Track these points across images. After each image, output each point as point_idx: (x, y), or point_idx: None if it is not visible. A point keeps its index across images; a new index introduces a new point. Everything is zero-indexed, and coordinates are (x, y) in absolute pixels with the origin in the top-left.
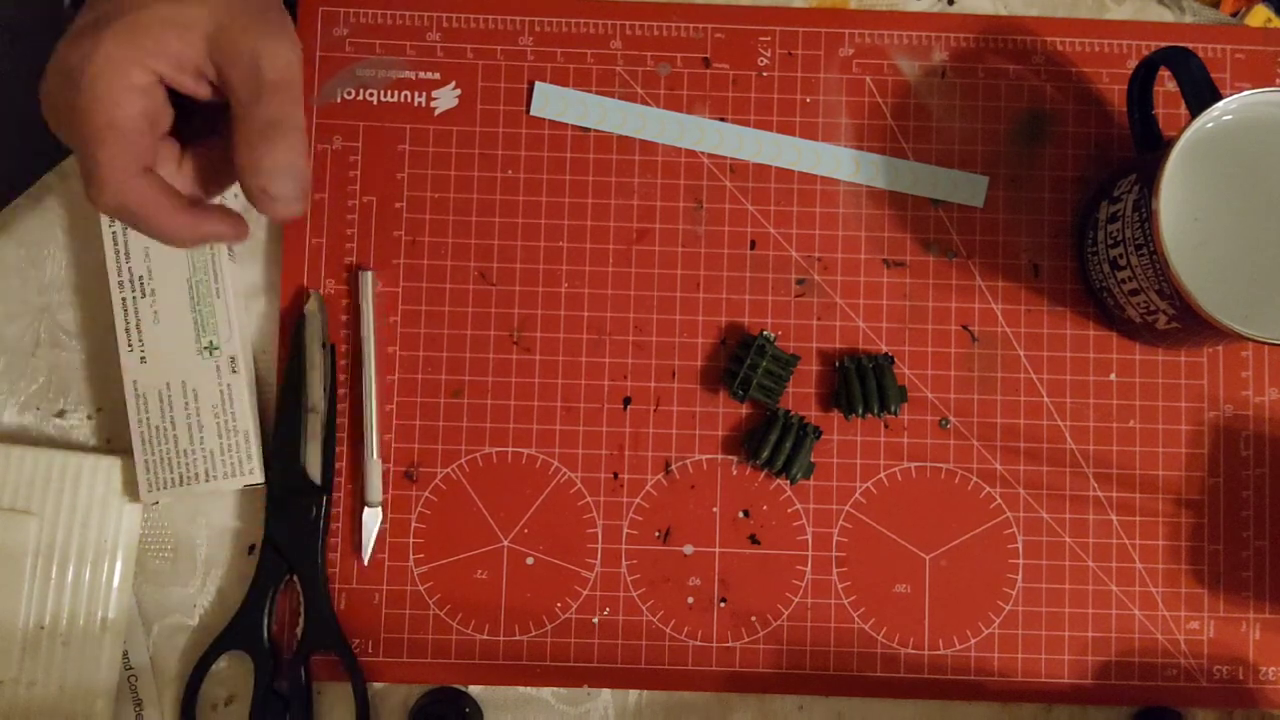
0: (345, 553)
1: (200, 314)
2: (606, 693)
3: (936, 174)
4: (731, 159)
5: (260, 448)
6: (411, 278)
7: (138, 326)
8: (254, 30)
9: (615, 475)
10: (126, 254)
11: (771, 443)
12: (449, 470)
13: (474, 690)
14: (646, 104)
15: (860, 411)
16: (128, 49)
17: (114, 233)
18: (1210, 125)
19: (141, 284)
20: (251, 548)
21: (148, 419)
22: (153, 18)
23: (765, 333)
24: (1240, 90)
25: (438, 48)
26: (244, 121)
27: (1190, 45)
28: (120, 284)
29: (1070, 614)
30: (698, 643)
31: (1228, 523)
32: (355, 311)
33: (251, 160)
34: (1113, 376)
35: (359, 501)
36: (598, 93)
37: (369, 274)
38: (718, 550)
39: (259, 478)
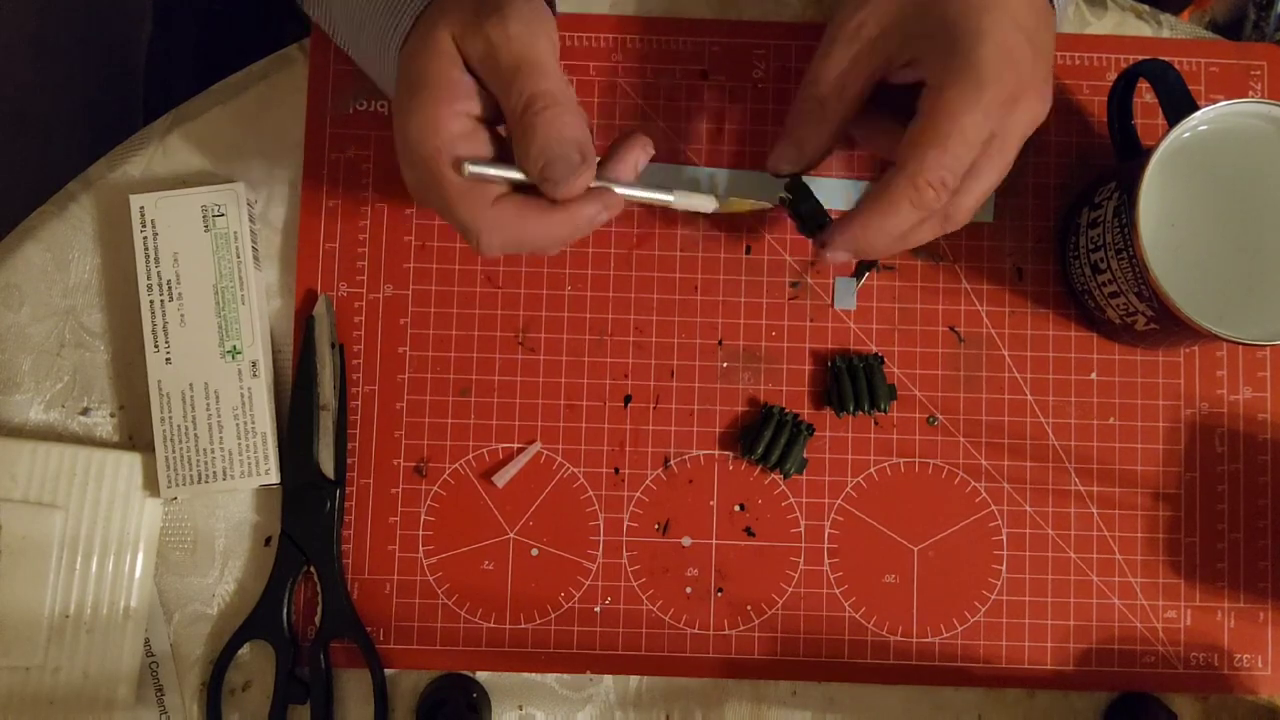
0: (358, 544)
1: (225, 319)
2: (608, 678)
3: None
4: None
5: (277, 449)
6: (421, 281)
7: (164, 329)
8: (480, 21)
9: (616, 470)
10: (156, 259)
11: (766, 439)
12: (457, 465)
13: (481, 676)
14: (647, 114)
15: (851, 409)
16: (430, 104)
17: (144, 238)
18: (1187, 135)
19: (169, 288)
20: (268, 540)
21: (170, 418)
22: (434, 77)
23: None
24: (1215, 102)
25: None
26: (505, 115)
27: (1168, 59)
28: (149, 287)
29: (1052, 603)
30: (695, 631)
31: (1203, 516)
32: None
33: (520, 151)
34: (1093, 375)
35: (369, 489)
36: (599, 104)
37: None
38: (715, 542)
39: (275, 478)
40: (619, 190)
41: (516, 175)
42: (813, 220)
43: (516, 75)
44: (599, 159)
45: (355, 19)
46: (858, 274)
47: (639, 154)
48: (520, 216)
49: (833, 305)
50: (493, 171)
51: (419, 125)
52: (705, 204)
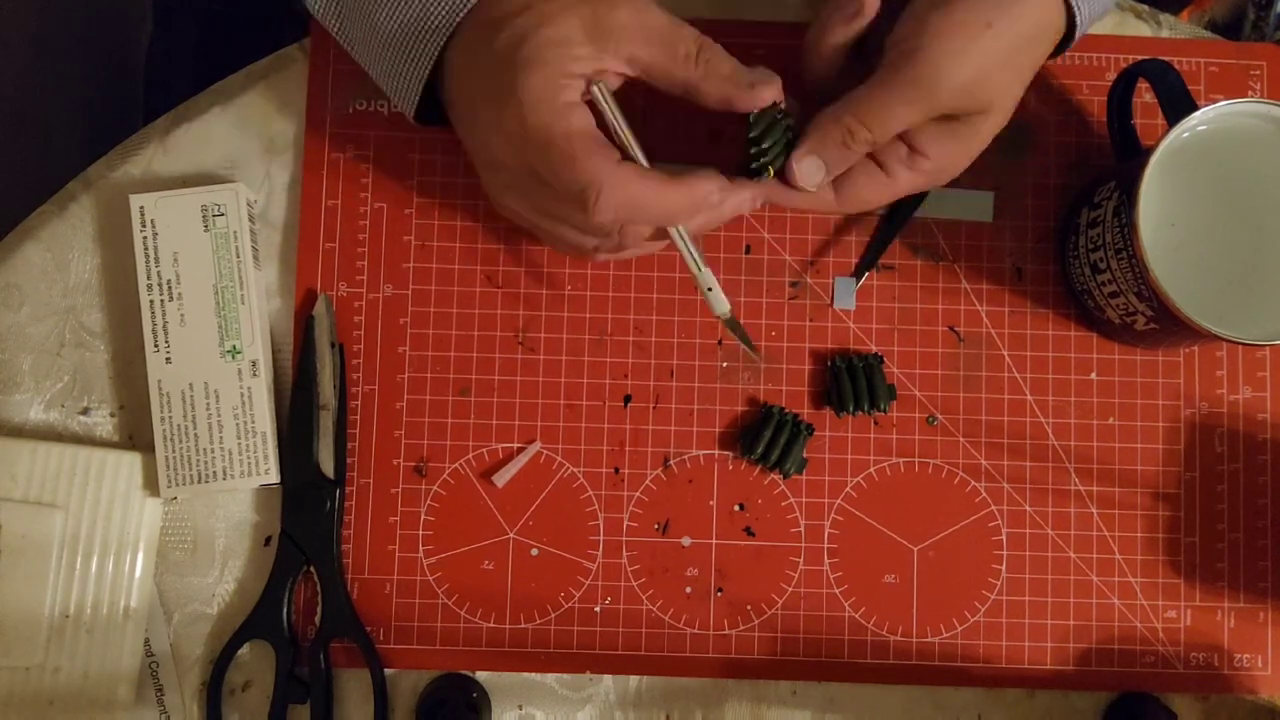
0: (358, 544)
1: (225, 319)
2: (608, 678)
3: (944, 194)
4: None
5: (277, 449)
6: (421, 280)
7: (164, 328)
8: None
9: (616, 470)
10: (156, 259)
11: (766, 439)
12: (457, 465)
13: (481, 676)
14: (647, 115)
15: (851, 409)
16: (545, 75)
17: (144, 237)
18: (1186, 135)
19: (169, 288)
20: (268, 540)
21: (170, 418)
22: (546, 40)
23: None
24: (1215, 102)
25: None
26: (674, 64)
27: (1168, 59)
28: (149, 287)
29: (1052, 603)
30: (695, 630)
31: (1203, 515)
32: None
33: (708, 73)
34: (1093, 375)
35: (369, 489)
36: None
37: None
38: (714, 542)
39: (275, 478)
40: (671, 232)
41: (637, 147)
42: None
43: (681, 25)
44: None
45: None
46: (856, 274)
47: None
48: (642, 178)
49: (832, 305)
50: (620, 117)
51: (536, 91)
52: (718, 306)
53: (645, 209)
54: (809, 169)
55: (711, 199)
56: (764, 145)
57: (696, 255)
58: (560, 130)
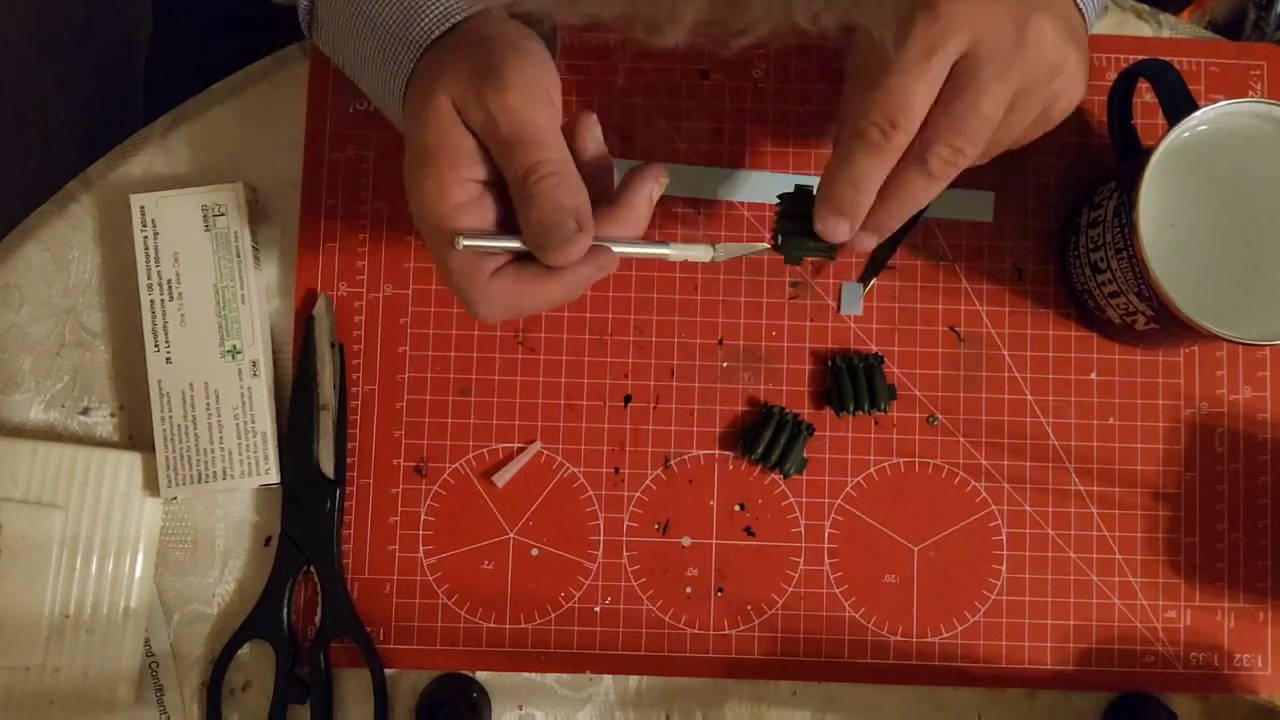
0: (358, 544)
1: (225, 319)
2: (608, 678)
3: (944, 194)
4: (747, 204)
5: (277, 449)
6: (421, 281)
7: (164, 328)
8: (479, 88)
9: (616, 470)
10: (156, 258)
11: (766, 439)
12: (457, 465)
13: (481, 676)
14: (648, 114)
15: (851, 409)
16: (436, 175)
17: (144, 237)
18: (1187, 135)
19: (170, 287)
20: (268, 540)
21: (170, 418)
22: (438, 145)
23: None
24: (1215, 101)
25: None
26: (507, 181)
27: (1168, 59)
28: (149, 286)
29: (1052, 603)
30: (695, 630)
31: (1203, 515)
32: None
33: (521, 219)
34: (1093, 375)
35: (369, 489)
36: (600, 104)
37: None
38: (715, 542)
39: (275, 478)
40: (616, 249)
41: (513, 244)
42: (806, 249)
43: (515, 146)
44: (624, 169)
45: (353, 61)
46: (864, 279)
47: (652, 186)
48: (516, 285)
49: (839, 310)
50: (487, 243)
51: (427, 194)
52: (702, 254)
53: (526, 308)
54: (862, 240)
55: (592, 279)
56: (787, 226)
57: (654, 250)
58: (443, 237)
